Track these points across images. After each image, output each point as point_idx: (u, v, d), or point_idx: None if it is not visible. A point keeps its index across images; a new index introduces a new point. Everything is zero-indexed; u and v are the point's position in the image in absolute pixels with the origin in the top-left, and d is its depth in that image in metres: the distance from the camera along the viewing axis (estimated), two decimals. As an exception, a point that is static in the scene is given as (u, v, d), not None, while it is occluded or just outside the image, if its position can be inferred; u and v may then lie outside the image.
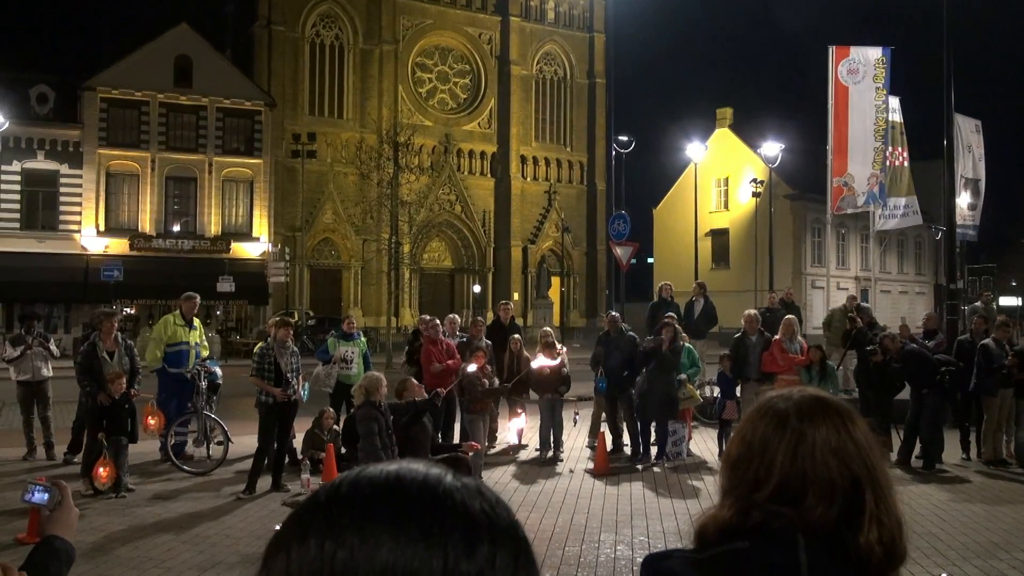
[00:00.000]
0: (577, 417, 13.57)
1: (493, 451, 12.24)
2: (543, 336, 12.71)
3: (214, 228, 42.11)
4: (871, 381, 11.99)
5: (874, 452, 1.52)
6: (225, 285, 34.73)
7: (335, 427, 11.08)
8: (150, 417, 11.20)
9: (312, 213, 45.34)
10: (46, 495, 2.06)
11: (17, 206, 38.74)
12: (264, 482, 9.82)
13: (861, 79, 17.38)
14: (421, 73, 51.56)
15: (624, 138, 37.84)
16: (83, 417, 10.97)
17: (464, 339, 12.84)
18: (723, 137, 55.84)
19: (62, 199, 39.39)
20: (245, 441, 11.37)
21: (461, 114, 52.35)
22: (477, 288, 51.50)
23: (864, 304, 17.01)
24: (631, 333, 12.84)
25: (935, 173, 20.33)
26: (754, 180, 43.62)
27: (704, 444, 13.16)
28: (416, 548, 0.74)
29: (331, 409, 11.53)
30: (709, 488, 9.82)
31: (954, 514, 8.90)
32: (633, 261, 22.66)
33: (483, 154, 52.64)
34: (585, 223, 54.81)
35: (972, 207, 21.65)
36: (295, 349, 10.40)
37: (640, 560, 1.61)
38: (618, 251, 20.85)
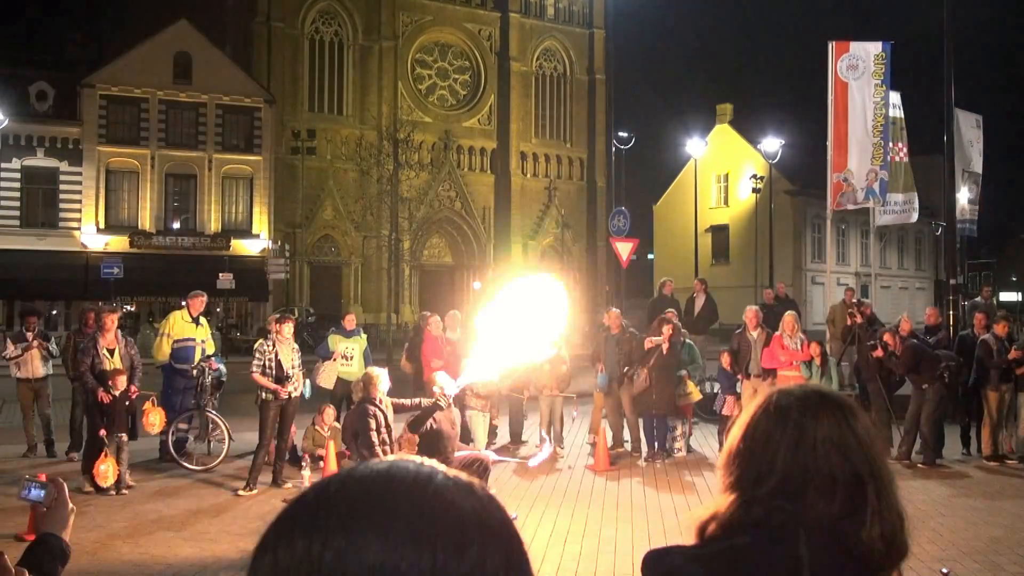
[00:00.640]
0: (576, 414, 13.58)
1: (492, 447, 12.24)
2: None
3: (214, 225, 42.10)
4: (872, 376, 11.99)
5: (875, 447, 1.52)
6: (225, 282, 34.72)
7: (335, 424, 11.09)
8: (150, 414, 11.20)
9: (312, 210, 45.32)
10: (42, 492, 2.05)
11: (17, 203, 38.74)
12: (264, 479, 9.83)
13: (860, 75, 17.33)
14: (421, 69, 51.51)
15: (624, 134, 37.87)
16: (80, 415, 10.98)
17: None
18: (723, 133, 55.80)
19: (62, 196, 39.38)
20: (246, 438, 11.38)
21: (461, 110, 52.32)
22: (477, 284, 51.50)
23: (864, 300, 17.01)
24: (632, 329, 12.84)
25: (936, 168, 20.32)
26: (754, 176, 43.60)
27: (704, 440, 13.17)
28: (404, 549, 0.72)
29: (331, 406, 11.53)
30: (710, 484, 9.82)
31: (955, 509, 8.90)
32: (633, 257, 22.65)
33: (483, 150, 52.60)
34: (585, 219, 54.79)
35: (972, 202, 21.63)
36: (295, 346, 10.40)
37: (641, 556, 1.60)
38: (618, 247, 20.84)
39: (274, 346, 10.01)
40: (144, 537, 7.79)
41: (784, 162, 43.06)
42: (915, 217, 19.45)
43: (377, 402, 8.31)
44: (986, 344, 11.72)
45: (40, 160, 39.03)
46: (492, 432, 12.59)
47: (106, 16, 43.51)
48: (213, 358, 11.86)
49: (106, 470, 9.35)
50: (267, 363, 9.95)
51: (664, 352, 11.68)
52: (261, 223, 43.09)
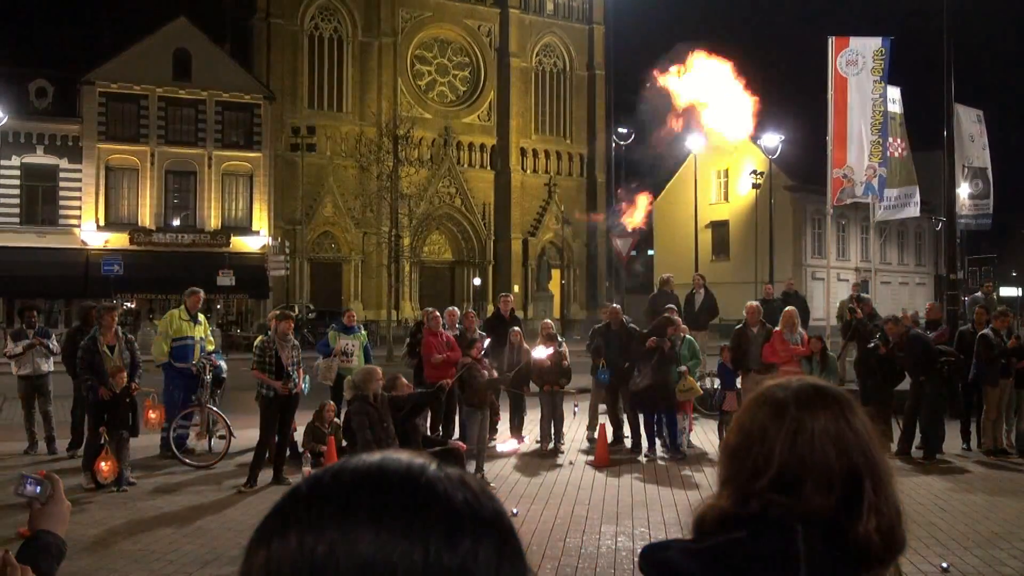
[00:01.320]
0: (577, 409, 13.59)
1: (493, 443, 12.25)
2: (544, 328, 12.72)
3: (214, 222, 42.09)
4: (872, 371, 12.00)
5: (873, 441, 1.52)
6: (225, 279, 34.74)
7: (336, 420, 11.10)
8: (151, 411, 11.20)
9: (312, 206, 45.30)
10: (38, 488, 2.05)
11: (17, 201, 38.73)
12: (265, 475, 9.84)
13: (860, 70, 17.32)
14: (420, 66, 51.47)
15: (624, 130, 37.82)
16: (81, 412, 10.98)
17: (459, 332, 12.83)
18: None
19: (62, 194, 39.37)
20: (247, 434, 11.38)
21: (460, 107, 52.27)
22: (477, 281, 51.48)
23: (864, 295, 17.01)
24: (632, 325, 12.84)
25: (936, 163, 20.32)
26: (754, 171, 43.55)
27: (704, 435, 13.18)
28: (397, 541, 0.73)
29: (332, 402, 11.55)
30: (709, 479, 9.83)
31: (954, 504, 8.91)
32: (633, 253, 22.65)
33: (483, 147, 52.57)
34: (585, 215, 54.75)
35: (983, 196, 21.62)
36: (296, 342, 10.41)
37: (639, 551, 1.60)
38: (618, 243, 20.86)
39: (274, 343, 10.02)
40: (145, 533, 7.80)
41: (784, 157, 43.01)
42: (916, 211, 19.45)
43: (372, 400, 8.32)
44: (986, 339, 11.72)
45: (40, 157, 39.01)
46: (493, 427, 12.60)
47: (105, 13, 43.37)
48: (214, 355, 11.87)
49: (107, 467, 9.36)
50: (267, 360, 9.96)
51: (665, 351, 11.69)
52: (261, 220, 43.08)
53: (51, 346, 11.92)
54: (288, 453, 10.38)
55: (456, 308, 14.15)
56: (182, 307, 11.94)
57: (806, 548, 1.44)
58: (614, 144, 35.62)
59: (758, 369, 11.96)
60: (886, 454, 1.56)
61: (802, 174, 47.63)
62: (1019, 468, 11.02)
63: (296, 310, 34.10)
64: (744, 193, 51.48)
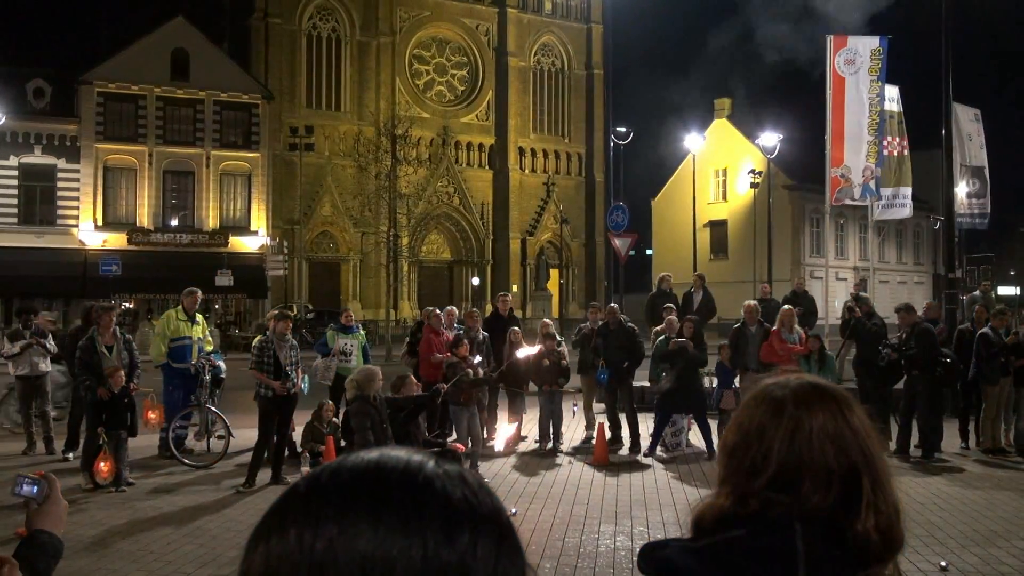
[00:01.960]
0: (576, 409, 13.58)
1: (491, 443, 12.24)
2: (542, 328, 12.74)
3: (212, 222, 42.09)
4: (870, 371, 12.00)
5: (871, 439, 1.52)
6: (223, 279, 34.72)
7: (334, 420, 11.09)
8: (150, 411, 11.18)
9: (310, 206, 45.31)
10: (35, 488, 2.05)
11: (15, 201, 38.73)
12: (264, 475, 9.83)
13: (857, 70, 17.33)
14: (419, 65, 51.47)
15: (622, 129, 37.86)
16: (80, 413, 10.96)
17: (460, 331, 12.84)
18: (721, 128, 55.76)
19: (60, 193, 39.37)
20: (245, 434, 11.37)
21: (459, 106, 52.28)
22: (476, 280, 51.50)
23: (863, 294, 17.00)
24: (630, 324, 12.84)
25: (934, 162, 20.32)
26: (752, 171, 43.59)
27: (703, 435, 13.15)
28: (395, 537, 0.73)
29: (330, 402, 11.53)
30: (708, 478, 9.83)
31: (953, 502, 8.91)
32: (632, 252, 22.66)
33: (481, 146, 52.58)
34: (584, 215, 54.77)
35: (981, 194, 21.60)
36: (294, 342, 10.40)
37: (638, 549, 1.60)
38: (616, 242, 20.85)
39: (272, 343, 10.01)
40: (144, 534, 7.79)
41: (782, 157, 43.05)
42: (908, 212, 19.44)
43: (372, 400, 8.31)
44: (985, 338, 11.73)
45: (38, 157, 38.99)
46: (490, 429, 12.58)
47: (103, 13, 43.39)
48: (212, 355, 11.85)
49: (105, 467, 9.35)
50: (265, 360, 9.95)
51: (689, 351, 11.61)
52: (259, 220, 43.07)
53: (49, 346, 11.90)
54: (287, 453, 10.37)
55: (455, 308, 14.16)
56: (179, 307, 11.92)
57: (805, 546, 1.43)
58: (612, 143, 35.54)
59: (756, 368, 11.96)
60: (884, 453, 1.56)
61: (801, 173, 47.67)
62: (1018, 467, 11.02)
63: (294, 310, 34.10)
64: (743, 192, 51.53)
